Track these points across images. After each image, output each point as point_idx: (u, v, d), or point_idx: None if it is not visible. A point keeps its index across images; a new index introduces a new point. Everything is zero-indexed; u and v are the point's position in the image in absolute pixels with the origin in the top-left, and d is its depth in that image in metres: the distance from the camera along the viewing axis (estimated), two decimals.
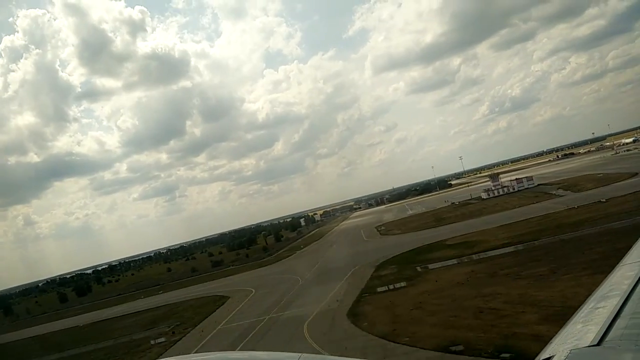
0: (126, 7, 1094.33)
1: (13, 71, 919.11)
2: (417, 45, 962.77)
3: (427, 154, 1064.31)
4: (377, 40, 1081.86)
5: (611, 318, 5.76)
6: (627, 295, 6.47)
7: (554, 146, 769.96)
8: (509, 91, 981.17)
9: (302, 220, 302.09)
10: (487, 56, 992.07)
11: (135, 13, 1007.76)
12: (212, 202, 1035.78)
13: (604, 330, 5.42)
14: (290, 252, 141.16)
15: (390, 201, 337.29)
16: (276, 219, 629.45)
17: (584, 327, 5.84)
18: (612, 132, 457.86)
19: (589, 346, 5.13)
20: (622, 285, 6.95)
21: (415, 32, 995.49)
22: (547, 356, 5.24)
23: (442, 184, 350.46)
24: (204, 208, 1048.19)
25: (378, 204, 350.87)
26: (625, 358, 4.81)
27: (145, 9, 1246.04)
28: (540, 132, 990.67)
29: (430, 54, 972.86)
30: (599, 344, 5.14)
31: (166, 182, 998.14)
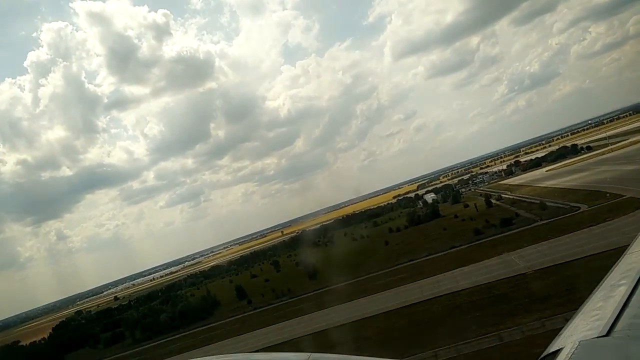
0: (149, 11, 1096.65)
1: (43, 86, 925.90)
2: (437, 26, 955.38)
3: (445, 139, 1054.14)
4: (396, 25, 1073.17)
5: (619, 308, 5.74)
6: (634, 284, 6.43)
7: (575, 122, 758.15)
8: (528, 68, 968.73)
9: None
10: (506, 32, 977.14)
11: (159, 17, 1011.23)
12: (236, 204, 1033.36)
13: (613, 320, 5.41)
14: None
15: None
16: (297, 218, 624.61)
17: (592, 318, 5.79)
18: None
19: (598, 337, 5.13)
20: (629, 274, 6.89)
21: (436, 12, 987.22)
22: (556, 348, 5.26)
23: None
24: (228, 211, 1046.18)
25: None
26: (635, 347, 4.89)
27: (168, 12, 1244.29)
28: (561, 108, 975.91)
29: (451, 35, 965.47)
30: (607, 334, 5.15)
31: (192, 187, 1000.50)
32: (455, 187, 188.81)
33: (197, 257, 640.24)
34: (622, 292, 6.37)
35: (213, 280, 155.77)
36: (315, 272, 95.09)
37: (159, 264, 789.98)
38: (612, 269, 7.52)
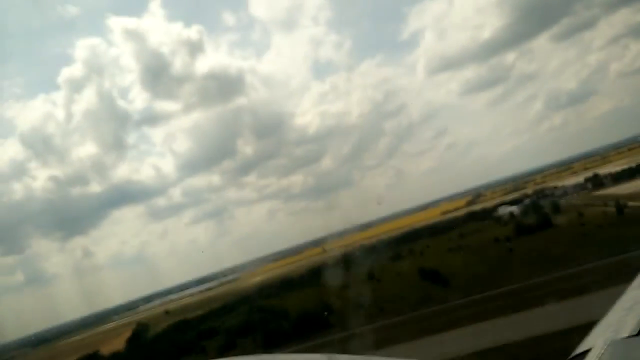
0: (184, 27, 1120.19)
1: (76, 102, 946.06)
2: (473, 42, 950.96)
3: (476, 158, 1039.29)
4: (430, 41, 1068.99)
5: None
6: None
7: (611, 142, 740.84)
8: (565, 85, 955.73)
9: None
10: (544, 48, 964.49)
11: (193, 33, 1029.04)
12: (261, 222, 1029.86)
13: None
14: None
15: None
16: (324, 236, 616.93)
17: (623, 317, 5.79)
18: None
19: (628, 337, 5.17)
20: None
21: (473, 27, 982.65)
22: (586, 348, 5.30)
23: None
24: (252, 229, 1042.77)
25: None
26: None
27: (202, 28, 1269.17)
28: (598, 127, 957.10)
29: (487, 51, 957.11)
30: (638, 334, 5.17)
31: (217, 204, 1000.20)
32: (535, 201, 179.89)
33: (222, 275, 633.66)
34: None
35: (288, 293, 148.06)
36: (445, 280, 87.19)
37: (183, 281, 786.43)
38: None
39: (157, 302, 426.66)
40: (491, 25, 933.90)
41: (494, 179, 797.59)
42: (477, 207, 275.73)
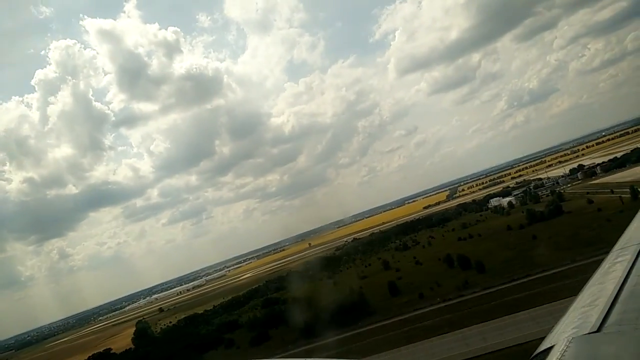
0: (160, 29, 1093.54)
1: (51, 104, 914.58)
2: (441, 43, 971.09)
3: (444, 155, 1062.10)
4: (400, 42, 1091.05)
5: (609, 304, 5.88)
6: (623, 279, 6.56)
7: (571, 138, 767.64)
8: (527, 84, 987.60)
9: None
10: (508, 49, 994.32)
11: (170, 34, 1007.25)
12: (237, 221, 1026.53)
13: (603, 316, 5.58)
14: None
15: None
16: (301, 235, 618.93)
17: (583, 314, 5.92)
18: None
19: (589, 333, 5.29)
20: (618, 269, 7.05)
21: (441, 29, 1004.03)
22: (548, 345, 5.40)
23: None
24: (229, 228, 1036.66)
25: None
26: (626, 343, 5.06)
27: (178, 30, 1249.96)
28: (559, 124, 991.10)
29: (454, 51, 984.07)
30: (598, 330, 5.31)
31: (194, 204, 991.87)
32: (528, 191, 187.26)
33: (202, 273, 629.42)
34: (611, 288, 6.46)
35: (296, 286, 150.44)
36: (480, 266, 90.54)
37: (162, 281, 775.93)
38: (601, 265, 7.69)
39: (142, 301, 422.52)
40: (458, 26, 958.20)
41: (463, 175, 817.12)
42: (462, 200, 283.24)
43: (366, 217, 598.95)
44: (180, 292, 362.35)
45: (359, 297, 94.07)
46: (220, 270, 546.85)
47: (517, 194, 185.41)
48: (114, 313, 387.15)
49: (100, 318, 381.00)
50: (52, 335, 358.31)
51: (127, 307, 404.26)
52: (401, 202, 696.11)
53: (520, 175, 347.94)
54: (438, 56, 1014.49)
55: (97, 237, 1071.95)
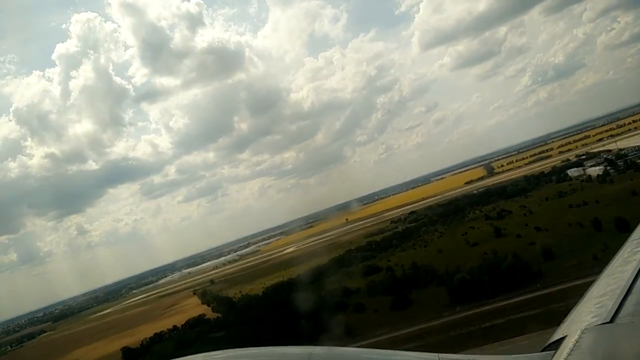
0: (182, 1, 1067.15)
1: (74, 78, 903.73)
2: (469, 15, 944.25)
3: (463, 133, 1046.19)
4: (426, 13, 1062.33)
5: (623, 294, 5.88)
6: (637, 270, 6.54)
7: (595, 116, 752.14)
8: (552, 59, 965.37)
9: None
10: (536, 22, 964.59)
11: (192, 6, 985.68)
12: (252, 199, 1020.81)
13: (617, 307, 5.59)
14: None
15: None
16: (315, 213, 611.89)
17: (596, 305, 5.93)
18: None
19: (602, 324, 5.31)
20: (632, 260, 7.05)
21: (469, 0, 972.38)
22: (560, 336, 5.43)
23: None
24: (244, 206, 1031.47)
25: None
26: (639, 334, 5.11)
27: (201, 1, 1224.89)
28: (583, 101, 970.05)
29: (481, 24, 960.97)
30: (611, 321, 5.33)
31: (210, 181, 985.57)
32: (613, 160, 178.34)
33: (221, 250, 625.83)
34: (625, 278, 6.37)
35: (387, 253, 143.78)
36: None
37: (178, 259, 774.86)
38: (615, 256, 7.61)
39: (174, 275, 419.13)
40: None
41: (484, 154, 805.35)
42: (511, 175, 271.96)
43: (392, 195, 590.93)
44: (216, 266, 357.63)
45: (513, 259, 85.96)
46: (244, 246, 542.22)
47: (598, 164, 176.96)
48: (147, 287, 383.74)
49: (134, 291, 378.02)
50: (86, 308, 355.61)
51: (160, 281, 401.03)
52: (426, 180, 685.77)
53: (568, 150, 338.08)
54: (464, 29, 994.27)
55: (113, 213, 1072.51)
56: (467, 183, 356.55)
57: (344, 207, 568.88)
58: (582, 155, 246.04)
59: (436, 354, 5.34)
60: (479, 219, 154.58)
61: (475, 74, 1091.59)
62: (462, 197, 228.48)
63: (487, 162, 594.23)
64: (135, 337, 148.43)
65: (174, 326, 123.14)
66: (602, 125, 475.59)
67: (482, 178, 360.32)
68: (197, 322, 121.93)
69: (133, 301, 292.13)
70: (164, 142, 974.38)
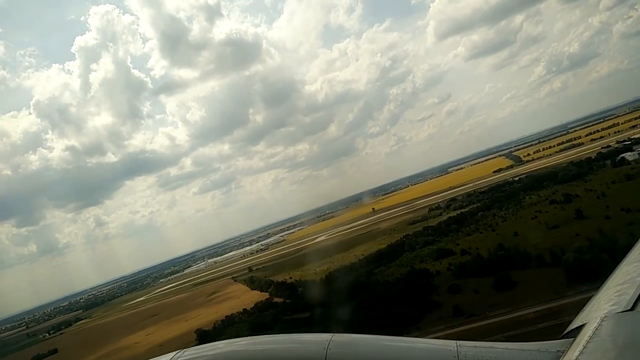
0: None
1: (94, 71, 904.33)
2: (486, 4, 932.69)
3: (474, 124, 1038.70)
4: (442, 2, 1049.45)
5: None
6: None
7: (611, 105, 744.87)
8: (567, 48, 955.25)
9: None
10: (553, 10, 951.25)
11: None
12: (265, 191, 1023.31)
13: (637, 295, 5.53)
14: None
15: None
16: (328, 205, 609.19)
17: (616, 293, 5.89)
18: None
19: (622, 312, 5.29)
20: None
21: None
22: (580, 323, 5.44)
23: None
24: (257, 198, 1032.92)
25: None
26: None
27: None
28: (597, 91, 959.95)
29: (498, 12, 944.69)
30: (632, 308, 5.30)
31: (225, 173, 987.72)
32: None
33: (239, 241, 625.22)
34: None
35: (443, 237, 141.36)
36: None
37: (194, 250, 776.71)
38: (637, 243, 7.53)
39: (201, 264, 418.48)
40: None
41: (495, 145, 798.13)
42: (543, 164, 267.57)
43: (409, 185, 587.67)
44: (243, 255, 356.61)
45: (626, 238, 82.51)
46: (263, 237, 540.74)
47: None
48: (173, 276, 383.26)
49: (161, 281, 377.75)
50: (115, 297, 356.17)
51: (185, 271, 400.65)
52: (442, 170, 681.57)
53: (600, 137, 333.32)
54: (480, 18, 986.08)
55: (130, 205, 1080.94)
56: (496, 172, 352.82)
57: (357, 199, 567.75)
58: (625, 140, 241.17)
59: (454, 341, 5.40)
60: (540, 203, 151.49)
61: (490, 64, 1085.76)
62: (505, 184, 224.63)
63: (504, 152, 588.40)
64: (191, 322, 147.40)
65: (244, 309, 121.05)
66: (628, 113, 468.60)
67: (511, 167, 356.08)
68: (267, 306, 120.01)
69: (167, 289, 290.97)
70: (181, 135, 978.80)
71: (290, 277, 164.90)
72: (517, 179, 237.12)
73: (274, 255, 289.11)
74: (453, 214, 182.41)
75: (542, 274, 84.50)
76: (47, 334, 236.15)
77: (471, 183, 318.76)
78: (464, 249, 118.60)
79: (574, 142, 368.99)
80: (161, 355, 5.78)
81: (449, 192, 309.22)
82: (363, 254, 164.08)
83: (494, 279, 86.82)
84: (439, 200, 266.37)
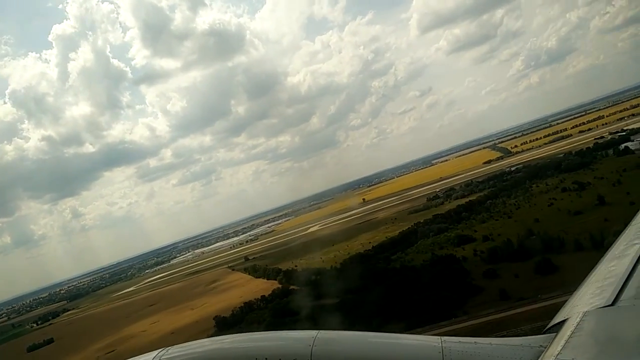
0: None
1: (73, 60, 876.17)
2: None
3: (454, 117, 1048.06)
4: None
5: (624, 278, 5.92)
6: (639, 254, 6.59)
7: (588, 100, 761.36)
8: (545, 43, 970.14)
9: None
10: (532, 4, 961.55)
11: None
12: (246, 183, 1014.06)
13: (618, 290, 5.65)
14: None
15: None
16: (306, 198, 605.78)
17: (597, 288, 5.99)
18: None
19: (603, 307, 5.39)
20: (635, 244, 7.06)
21: None
22: (562, 319, 5.54)
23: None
24: (238, 190, 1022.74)
25: None
26: None
27: None
28: (573, 86, 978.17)
29: (480, 6, 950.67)
30: (613, 304, 5.41)
31: (205, 165, 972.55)
32: None
33: (222, 232, 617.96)
34: (627, 262, 6.39)
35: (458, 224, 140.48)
36: None
37: (173, 241, 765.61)
38: (617, 239, 7.72)
39: (187, 255, 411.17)
40: None
41: (474, 138, 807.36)
42: (536, 154, 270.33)
43: (395, 177, 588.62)
44: (232, 246, 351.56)
45: None
46: (248, 228, 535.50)
47: None
48: (159, 267, 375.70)
49: (147, 271, 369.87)
50: (99, 288, 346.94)
51: (172, 261, 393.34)
52: (425, 162, 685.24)
53: (589, 129, 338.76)
54: (463, 11, 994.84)
55: (108, 197, 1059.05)
56: (486, 163, 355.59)
57: (340, 191, 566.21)
58: (619, 131, 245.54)
59: (439, 337, 5.50)
60: (551, 190, 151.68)
61: (470, 57, 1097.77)
62: (503, 174, 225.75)
63: (486, 144, 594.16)
64: (199, 310, 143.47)
65: (262, 296, 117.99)
66: (609, 107, 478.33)
67: (501, 158, 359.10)
68: (284, 293, 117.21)
69: (157, 279, 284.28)
70: (162, 125, 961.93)
71: (296, 266, 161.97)
72: (513, 169, 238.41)
73: (268, 245, 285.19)
74: (461, 202, 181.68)
75: (581, 257, 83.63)
76: (34, 325, 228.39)
77: (463, 174, 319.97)
78: (485, 235, 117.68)
79: (561, 134, 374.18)
80: (146, 353, 5.85)
81: (441, 182, 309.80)
82: (370, 242, 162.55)
83: (535, 263, 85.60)
84: (435, 190, 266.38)
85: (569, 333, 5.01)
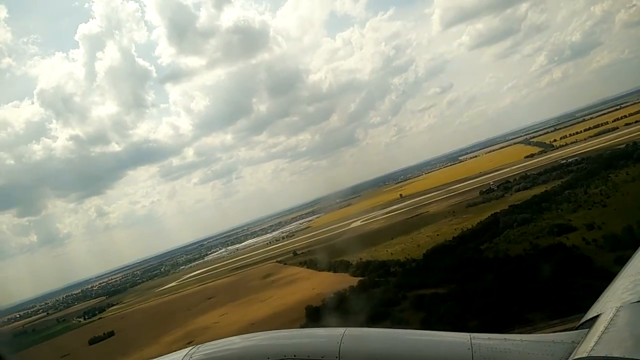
0: None
1: (98, 59, 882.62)
2: None
3: (474, 115, 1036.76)
4: None
5: None
6: None
7: (614, 95, 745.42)
8: (570, 37, 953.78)
9: None
10: None
11: None
12: (265, 181, 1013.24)
13: None
14: None
15: None
16: (326, 196, 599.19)
17: (631, 282, 5.91)
18: None
19: (637, 302, 5.29)
20: None
21: None
22: (596, 314, 5.44)
23: None
24: (257, 189, 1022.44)
25: None
26: None
27: None
28: (597, 81, 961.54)
29: (504, 0, 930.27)
30: None
31: (226, 164, 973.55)
32: None
33: (233, 233, 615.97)
34: None
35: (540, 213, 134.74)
36: None
37: (195, 240, 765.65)
38: None
39: (221, 252, 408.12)
40: None
41: (496, 135, 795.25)
42: (579, 148, 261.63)
43: (425, 173, 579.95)
44: (268, 242, 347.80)
45: None
46: (275, 226, 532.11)
47: None
48: (195, 263, 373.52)
49: (182, 267, 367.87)
50: (137, 284, 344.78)
51: (206, 257, 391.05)
52: (449, 159, 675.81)
53: (636, 122, 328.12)
54: (487, 6, 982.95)
55: (131, 195, 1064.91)
56: (528, 157, 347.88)
57: (363, 189, 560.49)
58: None
59: (467, 334, 5.40)
60: (638, 179, 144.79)
61: (493, 53, 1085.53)
62: (565, 165, 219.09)
63: (511, 141, 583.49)
64: (269, 301, 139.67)
65: (350, 286, 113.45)
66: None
67: (544, 152, 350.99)
68: (372, 284, 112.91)
69: (200, 275, 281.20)
70: (185, 124, 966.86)
71: (361, 258, 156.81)
72: (571, 160, 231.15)
73: (311, 240, 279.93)
74: (528, 193, 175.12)
75: None
76: (80, 320, 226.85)
77: (506, 168, 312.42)
78: (589, 224, 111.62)
79: (604, 127, 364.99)
80: (176, 351, 5.92)
81: (484, 177, 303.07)
82: (438, 234, 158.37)
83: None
84: (483, 184, 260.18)
85: (602, 329, 4.83)
